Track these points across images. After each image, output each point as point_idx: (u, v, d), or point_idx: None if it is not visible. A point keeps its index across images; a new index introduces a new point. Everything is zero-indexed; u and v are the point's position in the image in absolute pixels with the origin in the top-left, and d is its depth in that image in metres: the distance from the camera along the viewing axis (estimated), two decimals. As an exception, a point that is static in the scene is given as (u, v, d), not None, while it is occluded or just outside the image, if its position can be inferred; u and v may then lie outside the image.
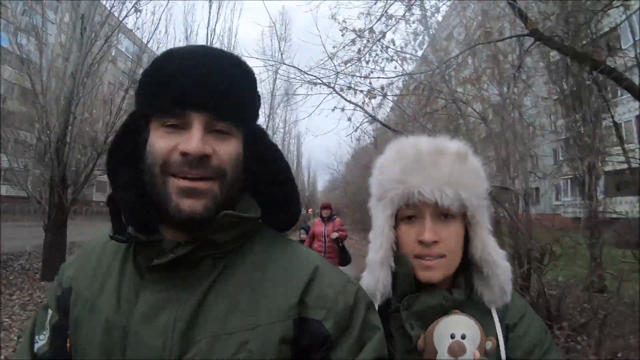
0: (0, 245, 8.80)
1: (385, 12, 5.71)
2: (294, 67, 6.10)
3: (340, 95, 5.70)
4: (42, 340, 0.85)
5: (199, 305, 0.73)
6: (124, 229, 0.78)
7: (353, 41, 5.77)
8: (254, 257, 0.80)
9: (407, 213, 0.99)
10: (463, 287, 0.99)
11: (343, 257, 6.54)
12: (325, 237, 6.71)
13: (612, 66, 4.55)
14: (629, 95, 4.15)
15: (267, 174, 0.85)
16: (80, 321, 0.79)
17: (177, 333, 0.71)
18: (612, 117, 7.43)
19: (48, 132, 8.10)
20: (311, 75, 5.72)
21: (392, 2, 5.60)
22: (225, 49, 0.86)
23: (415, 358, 0.93)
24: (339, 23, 5.79)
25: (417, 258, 0.97)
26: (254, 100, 0.83)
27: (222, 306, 0.74)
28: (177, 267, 0.74)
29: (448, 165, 0.96)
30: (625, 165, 6.47)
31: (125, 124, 0.83)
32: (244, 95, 0.79)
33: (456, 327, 0.89)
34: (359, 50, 5.77)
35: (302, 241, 6.98)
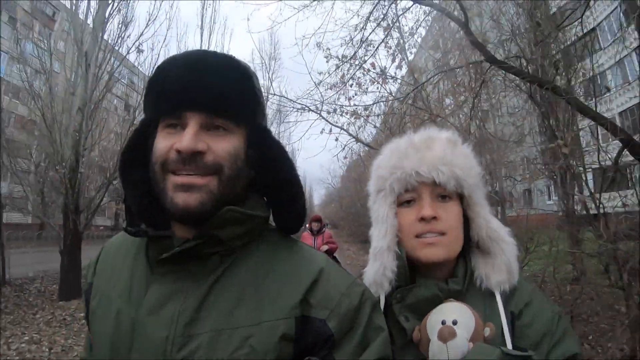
0: (5, 270, 9.29)
1: (366, 39, 6.38)
2: (284, 96, 6.78)
3: (326, 120, 6.37)
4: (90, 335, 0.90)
5: (203, 299, 0.75)
6: (137, 224, 0.82)
7: (337, 66, 6.45)
8: (261, 256, 0.81)
9: (406, 197, 1.01)
10: (461, 275, 0.99)
11: None
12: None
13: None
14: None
15: (270, 172, 0.85)
16: (95, 313, 0.84)
17: (181, 325, 0.72)
18: (577, 125, 8.01)
19: (63, 164, 8.74)
20: (299, 103, 6.37)
21: (371, 27, 6.29)
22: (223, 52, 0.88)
23: (412, 352, 0.92)
24: (323, 50, 6.49)
25: (418, 238, 0.98)
26: (253, 97, 0.83)
27: (226, 301, 0.75)
28: (186, 262, 0.77)
29: (441, 148, 1.00)
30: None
31: (136, 129, 0.86)
32: (240, 93, 0.80)
33: (447, 314, 0.88)
34: (343, 75, 6.45)
35: None
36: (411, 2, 5.73)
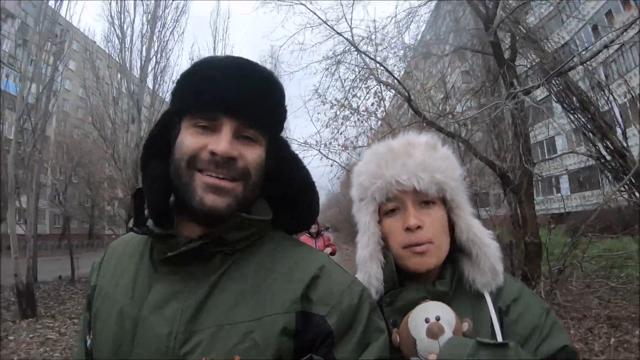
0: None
1: (352, 89, 8.14)
2: (291, 139, 9.00)
3: (322, 154, 8.36)
4: (89, 339, 0.89)
5: (205, 297, 0.77)
6: (143, 222, 0.84)
7: (331, 106, 8.26)
8: (263, 255, 0.84)
9: (389, 207, 1.00)
10: (448, 278, 0.99)
11: None
12: None
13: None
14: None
15: (287, 179, 0.90)
16: (98, 313, 0.85)
17: (183, 322, 0.74)
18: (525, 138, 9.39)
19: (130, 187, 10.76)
20: (297, 141, 8.40)
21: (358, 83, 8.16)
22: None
23: (399, 357, 0.90)
24: (319, 95, 8.25)
25: (406, 248, 0.97)
26: (282, 112, 0.88)
27: (228, 298, 0.77)
28: (190, 261, 0.79)
29: (420, 154, 1.00)
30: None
31: (159, 121, 0.87)
32: (273, 107, 0.84)
33: (428, 312, 0.88)
34: (336, 114, 8.28)
35: None
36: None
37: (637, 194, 5.79)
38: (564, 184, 23.48)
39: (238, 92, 0.78)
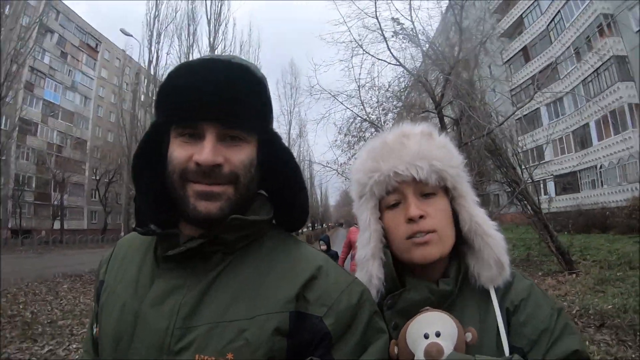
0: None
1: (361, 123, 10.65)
2: (318, 162, 11.95)
3: (337, 172, 11.05)
4: (95, 329, 0.91)
5: (203, 293, 0.77)
6: (146, 223, 0.84)
7: (345, 135, 10.90)
8: (262, 254, 0.84)
9: (390, 201, 0.97)
10: (453, 275, 0.94)
11: None
12: None
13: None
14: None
15: (278, 175, 0.89)
16: (104, 306, 0.87)
17: (180, 317, 0.75)
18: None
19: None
20: (321, 164, 11.17)
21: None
22: (237, 57, 0.86)
23: None
24: (335, 125, 10.91)
25: (409, 239, 0.93)
26: (265, 106, 0.85)
27: (225, 296, 0.77)
28: (190, 259, 0.80)
29: (416, 143, 0.96)
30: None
31: (147, 133, 0.87)
32: (255, 103, 0.81)
33: (428, 326, 0.83)
34: (348, 142, 10.93)
35: (321, 252, 8.46)
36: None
37: (527, 206, 9.49)
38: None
39: (215, 95, 0.75)
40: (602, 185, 22.01)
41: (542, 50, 26.52)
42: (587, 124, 23.03)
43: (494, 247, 0.93)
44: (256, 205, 0.87)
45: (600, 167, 22.34)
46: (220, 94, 0.76)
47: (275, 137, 0.90)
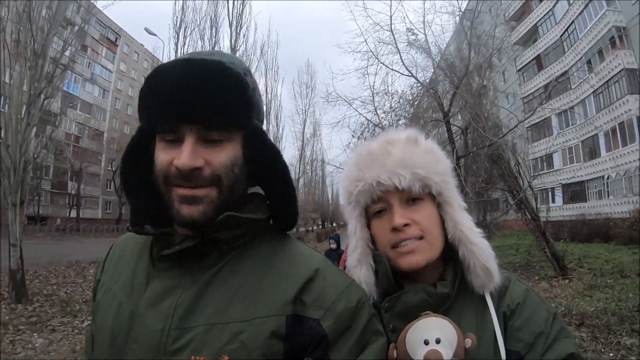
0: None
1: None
2: (330, 164, 12.65)
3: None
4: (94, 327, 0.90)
5: (199, 294, 0.77)
6: (141, 222, 0.84)
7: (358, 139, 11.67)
8: (259, 254, 0.83)
9: (375, 208, 0.97)
10: (450, 278, 0.94)
11: None
12: None
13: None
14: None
15: (264, 172, 0.86)
16: (99, 306, 0.87)
17: (177, 318, 0.74)
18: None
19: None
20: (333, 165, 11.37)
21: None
22: (216, 54, 0.85)
23: None
24: (349, 128, 11.80)
25: (394, 248, 0.93)
26: (247, 104, 0.80)
27: (222, 297, 0.77)
28: (186, 259, 0.79)
29: (399, 151, 0.96)
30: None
31: (134, 137, 0.85)
32: (235, 102, 0.77)
33: (428, 332, 0.82)
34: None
35: (331, 250, 7.55)
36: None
37: (527, 213, 10.16)
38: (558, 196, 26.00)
39: (190, 96, 0.73)
40: (608, 196, 22.34)
41: (555, 60, 26.83)
42: (596, 135, 23.36)
43: (479, 256, 0.92)
44: (252, 204, 0.86)
45: (608, 177, 22.67)
46: (196, 95, 0.74)
47: (260, 133, 0.85)
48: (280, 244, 0.87)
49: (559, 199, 26.11)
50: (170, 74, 0.75)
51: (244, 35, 18.58)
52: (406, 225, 0.92)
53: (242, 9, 18.15)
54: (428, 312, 0.88)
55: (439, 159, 1.00)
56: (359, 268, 0.97)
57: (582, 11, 23.98)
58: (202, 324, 0.74)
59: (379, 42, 11.06)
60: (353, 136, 12.25)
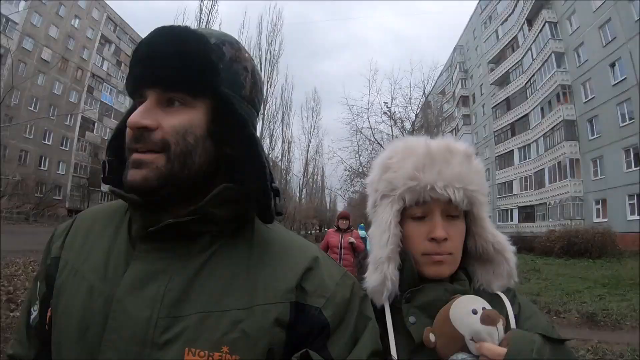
0: None
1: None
2: (329, 188, 16.78)
3: (342, 196, 14.80)
4: (35, 312, 0.82)
5: (191, 279, 0.70)
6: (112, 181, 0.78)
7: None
8: (253, 239, 0.78)
9: (416, 212, 0.97)
10: (465, 279, 0.99)
11: (360, 269, 4.61)
12: (341, 248, 6.36)
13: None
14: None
15: (235, 148, 0.76)
16: (63, 288, 0.76)
17: (165, 306, 0.68)
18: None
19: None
20: (330, 189, 13.68)
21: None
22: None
23: (423, 357, 0.88)
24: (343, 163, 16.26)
25: (425, 255, 0.95)
26: (210, 67, 0.73)
27: (216, 283, 0.71)
28: (173, 241, 0.72)
29: (458, 164, 0.96)
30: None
31: (128, 111, 0.81)
32: (192, 64, 0.71)
33: (473, 303, 0.84)
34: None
35: None
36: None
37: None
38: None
39: (153, 60, 0.71)
40: (549, 219, 27.75)
41: (520, 103, 32.64)
42: (543, 169, 29.27)
43: (510, 262, 0.99)
44: (221, 191, 0.72)
45: (549, 204, 28.31)
46: (157, 57, 0.71)
47: (228, 102, 0.74)
48: (273, 232, 0.82)
49: (515, 218, 31.86)
50: (141, 43, 0.74)
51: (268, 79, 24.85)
52: (444, 239, 0.94)
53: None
54: (458, 294, 0.90)
55: (484, 181, 1.02)
56: (386, 264, 0.95)
57: (539, 68, 29.69)
58: (196, 312, 0.68)
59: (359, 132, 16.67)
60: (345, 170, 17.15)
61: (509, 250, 1.00)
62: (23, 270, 8.09)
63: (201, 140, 0.73)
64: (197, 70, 0.72)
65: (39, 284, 0.85)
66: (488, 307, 0.84)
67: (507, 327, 0.86)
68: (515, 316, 0.95)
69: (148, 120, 0.70)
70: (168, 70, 0.71)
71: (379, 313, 0.92)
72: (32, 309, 0.83)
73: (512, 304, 0.97)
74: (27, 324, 0.83)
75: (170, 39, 0.72)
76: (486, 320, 0.80)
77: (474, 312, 0.82)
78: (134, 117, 0.69)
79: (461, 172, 0.95)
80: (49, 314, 0.78)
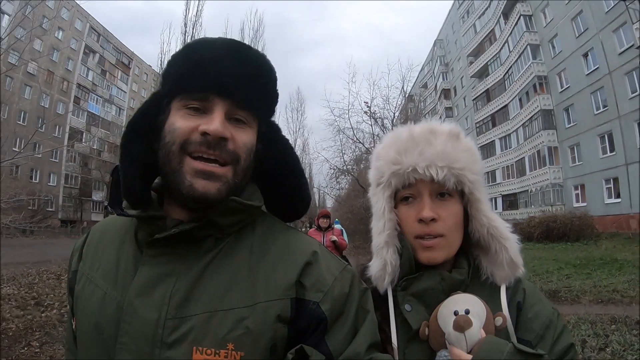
0: None
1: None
2: (317, 187, 18.85)
3: (330, 195, 16.64)
4: (74, 322, 0.86)
5: (196, 281, 0.73)
6: (119, 202, 0.79)
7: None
8: (255, 240, 0.81)
9: (404, 194, 0.98)
10: (465, 267, 0.97)
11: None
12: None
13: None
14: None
15: (278, 165, 0.88)
16: (80, 296, 0.81)
17: (172, 307, 0.71)
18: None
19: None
20: (319, 188, 16.28)
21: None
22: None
23: (418, 347, 0.90)
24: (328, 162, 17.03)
25: (418, 239, 0.95)
26: (273, 94, 0.84)
27: (220, 283, 0.74)
28: (178, 245, 0.75)
29: (441, 143, 0.95)
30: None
31: (147, 102, 0.83)
32: (265, 89, 0.81)
33: (458, 304, 0.86)
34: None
35: None
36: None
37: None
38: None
39: (230, 72, 0.74)
40: (531, 205, 28.71)
41: (499, 95, 33.54)
42: (524, 158, 30.21)
43: (510, 250, 0.95)
44: (247, 192, 0.83)
45: (530, 191, 29.26)
46: (236, 72, 0.75)
47: (276, 128, 0.89)
48: (275, 229, 0.86)
49: (499, 207, 32.82)
50: (215, 47, 0.77)
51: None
52: (432, 220, 0.93)
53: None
54: (458, 291, 0.91)
55: (476, 159, 1.00)
56: (385, 249, 0.96)
57: (516, 60, 30.57)
58: (201, 312, 0.71)
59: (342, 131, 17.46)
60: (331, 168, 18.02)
61: (508, 237, 0.97)
62: (39, 278, 9.17)
63: (254, 157, 0.82)
64: (267, 98, 0.84)
65: (69, 297, 0.91)
66: (477, 308, 0.85)
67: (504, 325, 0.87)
68: (520, 303, 0.94)
69: (227, 132, 0.75)
70: (248, 91, 0.77)
71: (383, 300, 0.96)
72: (72, 321, 0.88)
73: (515, 292, 0.96)
74: (73, 334, 0.88)
75: (257, 63, 0.80)
76: (455, 325, 0.82)
77: (455, 313, 0.84)
78: (216, 127, 0.73)
79: (444, 150, 0.95)
80: (74, 322, 0.85)
